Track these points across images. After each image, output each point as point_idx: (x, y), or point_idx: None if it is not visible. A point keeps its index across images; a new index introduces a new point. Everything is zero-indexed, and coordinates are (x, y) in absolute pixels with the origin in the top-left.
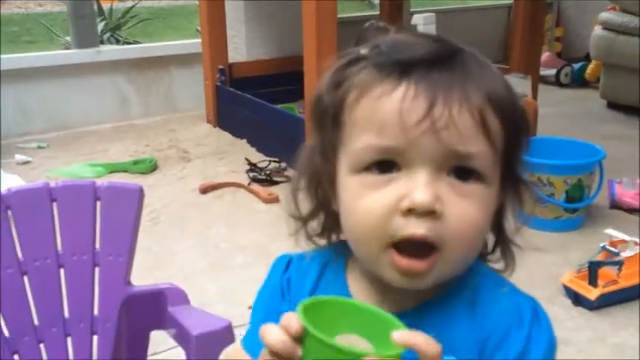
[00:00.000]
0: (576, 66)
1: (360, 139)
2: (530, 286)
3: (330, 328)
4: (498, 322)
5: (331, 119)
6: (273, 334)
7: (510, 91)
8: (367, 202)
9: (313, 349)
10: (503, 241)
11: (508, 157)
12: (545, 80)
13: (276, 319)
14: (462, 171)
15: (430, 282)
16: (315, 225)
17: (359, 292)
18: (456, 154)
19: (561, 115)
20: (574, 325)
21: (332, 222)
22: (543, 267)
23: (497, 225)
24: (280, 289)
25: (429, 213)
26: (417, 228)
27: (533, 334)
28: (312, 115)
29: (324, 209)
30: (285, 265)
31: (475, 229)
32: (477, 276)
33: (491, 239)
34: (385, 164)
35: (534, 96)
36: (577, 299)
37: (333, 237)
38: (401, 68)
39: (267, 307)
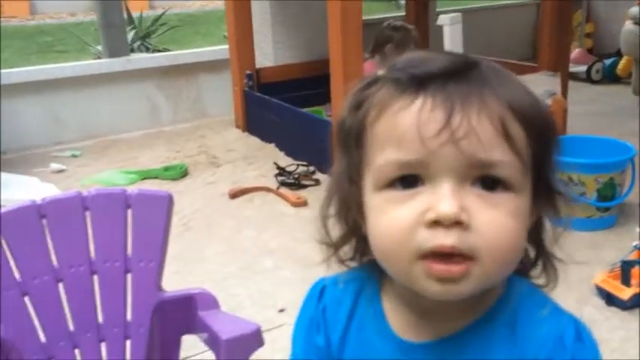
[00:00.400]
0: (607, 62)
1: (382, 156)
2: (562, 287)
3: None
4: (540, 347)
5: (354, 140)
6: None
7: (534, 99)
8: (392, 217)
9: None
10: (543, 255)
11: (538, 166)
12: (576, 77)
13: (314, 352)
14: (488, 180)
15: (468, 289)
16: (346, 249)
17: (396, 317)
18: (479, 163)
19: (593, 113)
20: (608, 325)
21: (363, 246)
22: (576, 267)
23: (536, 238)
24: (316, 322)
25: (455, 224)
26: (445, 238)
27: (577, 358)
28: (337, 139)
29: (355, 234)
30: (319, 293)
31: (508, 238)
32: (517, 296)
33: (531, 253)
34: (408, 179)
35: (564, 94)
36: (610, 299)
37: (365, 260)
38: (417, 82)
39: (305, 340)
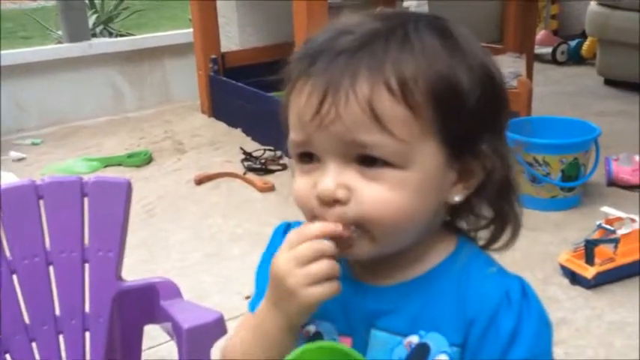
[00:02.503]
0: (572, 43)
1: (290, 133)
2: (526, 267)
3: None
4: (485, 303)
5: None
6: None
7: (447, 67)
8: (296, 184)
9: None
10: (500, 216)
11: (449, 135)
12: (541, 59)
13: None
14: (368, 158)
15: (364, 252)
16: None
17: (356, 262)
18: (354, 144)
19: (558, 94)
20: (572, 304)
21: None
22: (540, 247)
23: (489, 198)
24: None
25: (335, 201)
26: (327, 215)
27: (524, 313)
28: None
29: None
30: (283, 231)
31: (390, 210)
32: (466, 254)
33: (488, 214)
34: (306, 155)
35: (529, 75)
36: (574, 278)
37: None
38: (309, 61)
39: (265, 271)
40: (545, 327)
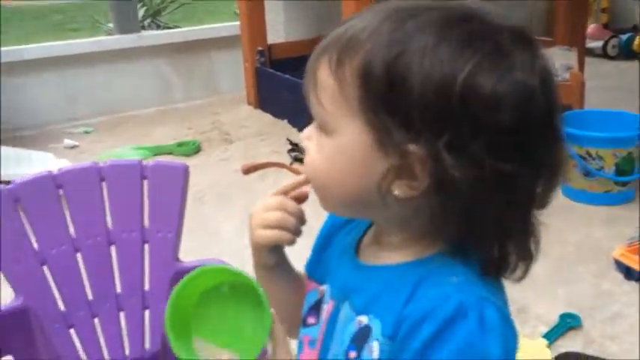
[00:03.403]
0: (624, 37)
1: None
2: (579, 261)
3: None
4: (421, 306)
5: None
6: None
7: (396, 54)
8: None
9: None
10: (510, 251)
11: (376, 120)
12: (592, 53)
13: (312, 255)
14: None
15: (326, 207)
16: None
17: (364, 241)
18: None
19: (609, 88)
20: (627, 299)
21: None
22: (593, 241)
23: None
24: (322, 228)
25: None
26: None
27: (450, 330)
28: None
29: None
30: None
31: (314, 171)
32: (449, 258)
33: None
34: None
35: (580, 68)
36: (629, 273)
37: None
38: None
39: (315, 243)
40: (473, 354)
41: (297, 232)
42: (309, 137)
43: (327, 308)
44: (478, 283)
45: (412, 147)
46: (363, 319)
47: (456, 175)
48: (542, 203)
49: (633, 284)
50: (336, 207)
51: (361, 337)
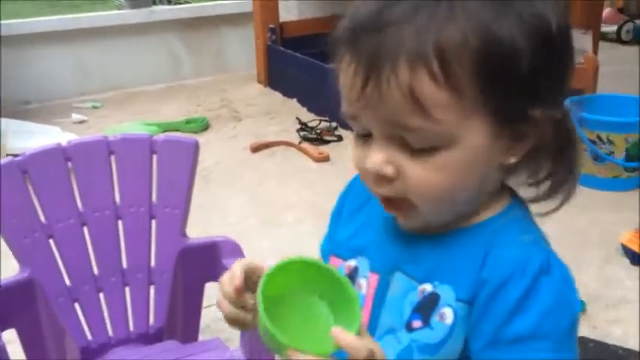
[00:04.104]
0: (638, 22)
1: (342, 103)
2: (587, 245)
3: (289, 289)
4: (501, 268)
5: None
6: (225, 286)
7: (488, 32)
8: (353, 155)
9: (261, 325)
10: (557, 172)
11: (496, 106)
12: (605, 37)
13: (333, 220)
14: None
15: (418, 223)
16: None
17: None
18: (398, 126)
19: (622, 73)
20: (633, 284)
21: None
22: (601, 226)
23: (550, 159)
24: (341, 197)
25: (382, 177)
26: (377, 188)
27: (538, 286)
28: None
29: None
30: (353, 180)
31: (436, 190)
32: (507, 219)
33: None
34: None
35: (595, 52)
36: (636, 258)
37: None
38: (353, 35)
39: (331, 222)
40: (562, 306)
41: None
42: (388, 161)
43: (368, 282)
44: (542, 237)
45: (536, 113)
46: (427, 287)
47: (551, 128)
48: None
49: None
50: (445, 215)
51: (427, 305)
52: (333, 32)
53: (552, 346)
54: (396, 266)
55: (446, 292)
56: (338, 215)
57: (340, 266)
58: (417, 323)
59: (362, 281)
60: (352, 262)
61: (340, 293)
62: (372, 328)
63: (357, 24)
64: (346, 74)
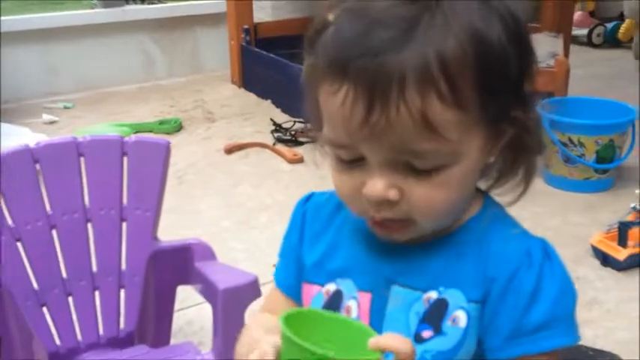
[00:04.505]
0: (609, 26)
1: (325, 127)
2: (557, 246)
3: (307, 338)
4: (506, 262)
5: (309, 89)
6: None
7: (482, 36)
8: (339, 179)
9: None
10: (520, 165)
11: (490, 112)
12: (576, 40)
13: (291, 251)
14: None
15: (411, 236)
16: None
17: None
18: (406, 152)
19: (593, 76)
20: (603, 285)
21: None
22: (572, 227)
23: (514, 150)
24: (294, 222)
25: (384, 202)
26: (376, 212)
27: (545, 272)
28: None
29: None
30: (306, 199)
31: (438, 206)
32: (489, 217)
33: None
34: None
35: (566, 55)
36: (605, 260)
37: None
38: (341, 59)
39: (287, 240)
40: (567, 288)
41: None
42: (391, 186)
43: (358, 303)
44: (519, 225)
45: (515, 112)
46: (432, 295)
47: (526, 122)
48: None
49: (610, 270)
50: (442, 225)
51: (435, 312)
52: (310, 59)
53: (566, 329)
54: (391, 280)
55: (454, 296)
56: (299, 244)
57: (317, 293)
58: (427, 333)
59: (350, 303)
60: (331, 286)
61: (342, 333)
62: None
63: (346, 49)
64: (339, 103)
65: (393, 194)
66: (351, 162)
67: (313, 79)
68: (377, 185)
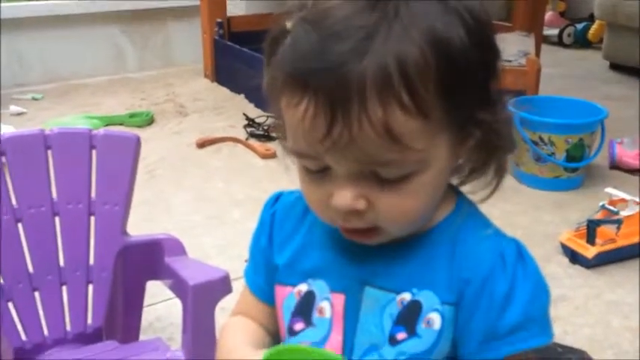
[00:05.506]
0: (579, 26)
1: (288, 137)
2: (527, 244)
3: None
4: (480, 264)
5: (271, 100)
6: None
7: (445, 39)
8: (306, 190)
9: None
10: (490, 166)
11: (455, 116)
12: (547, 40)
13: (259, 252)
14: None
15: (382, 241)
16: None
17: None
18: (371, 163)
19: (563, 76)
20: (571, 282)
21: None
22: (541, 226)
23: (483, 150)
24: (264, 224)
25: (352, 212)
26: (345, 222)
27: (518, 275)
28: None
29: None
30: (274, 200)
31: (407, 214)
32: (462, 216)
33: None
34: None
35: (537, 54)
36: (574, 257)
37: None
38: (299, 72)
39: (256, 242)
40: (540, 288)
41: None
42: (360, 196)
43: (331, 304)
44: (492, 224)
45: (482, 114)
46: (406, 296)
47: (497, 117)
48: None
49: (578, 268)
50: (411, 230)
51: (409, 314)
52: (269, 69)
53: (540, 329)
54: (365, 281)
55: (428, 298)
56: (268, 246)
57: (289, 294)
58: (401, 335)
59: (324, 304)
60: (303, 287)
61: None
62: (348, 349)
63: (305, 61)
64: (299, 117)
65: (360, 205)
66: (318, 172)
67: (274, 90)
68: (344, 197)
